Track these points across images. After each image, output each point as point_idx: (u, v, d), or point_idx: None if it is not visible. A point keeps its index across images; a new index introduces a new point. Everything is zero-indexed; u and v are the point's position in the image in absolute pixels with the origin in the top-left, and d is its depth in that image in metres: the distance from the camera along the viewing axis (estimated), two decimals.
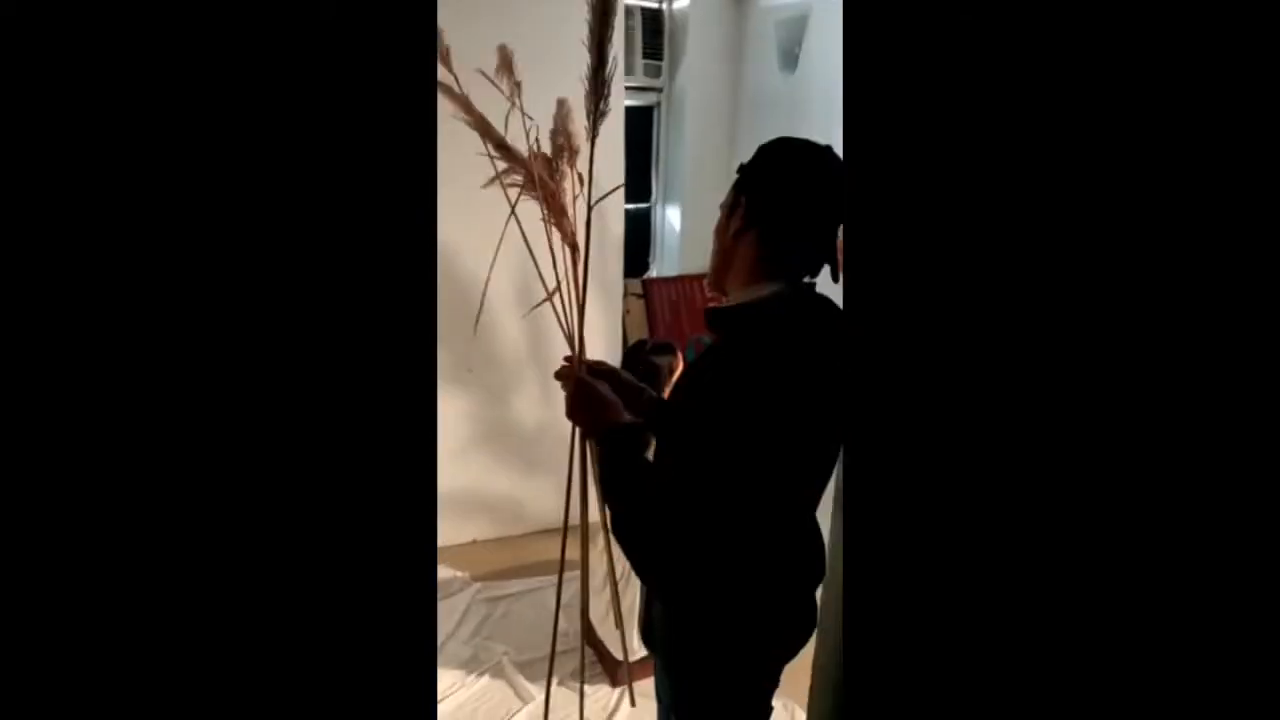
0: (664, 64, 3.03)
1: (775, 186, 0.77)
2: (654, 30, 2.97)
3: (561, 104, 0.99)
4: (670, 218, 3.20)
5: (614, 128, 2.35)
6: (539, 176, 0.95)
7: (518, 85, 0.97)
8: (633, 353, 1.80)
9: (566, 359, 0.99)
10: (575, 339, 0.97)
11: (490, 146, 0.95)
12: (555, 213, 0.97)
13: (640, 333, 3.16)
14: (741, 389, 0.70)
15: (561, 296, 0.99)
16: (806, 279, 0.80)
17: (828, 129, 2.55)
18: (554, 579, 2.18)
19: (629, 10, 2.82)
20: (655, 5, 2.96)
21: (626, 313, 2.84)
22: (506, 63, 0.96)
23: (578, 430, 0.95)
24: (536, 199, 0.96)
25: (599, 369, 0.99)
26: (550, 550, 2.39)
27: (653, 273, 3.29)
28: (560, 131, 0.99)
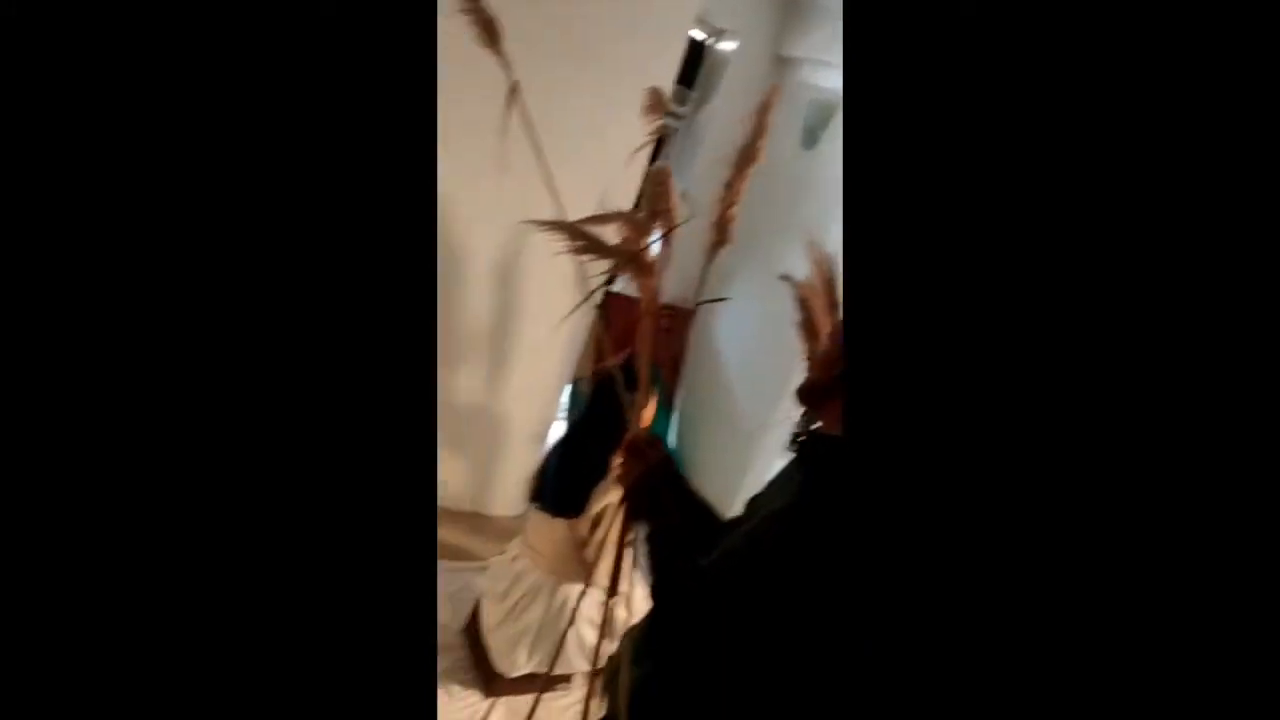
0: (693, 95, 3.05)
1: None
2: (694, 60, 2.98)
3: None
4: None
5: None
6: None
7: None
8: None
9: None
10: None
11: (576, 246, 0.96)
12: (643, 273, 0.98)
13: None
14: None
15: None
16: None
17: (825, 212, 2.66)
18: None
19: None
20: (702, 37, 2.98)
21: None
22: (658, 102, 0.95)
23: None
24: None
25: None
26: None
27: (617, 288, 3.28)
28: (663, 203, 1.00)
